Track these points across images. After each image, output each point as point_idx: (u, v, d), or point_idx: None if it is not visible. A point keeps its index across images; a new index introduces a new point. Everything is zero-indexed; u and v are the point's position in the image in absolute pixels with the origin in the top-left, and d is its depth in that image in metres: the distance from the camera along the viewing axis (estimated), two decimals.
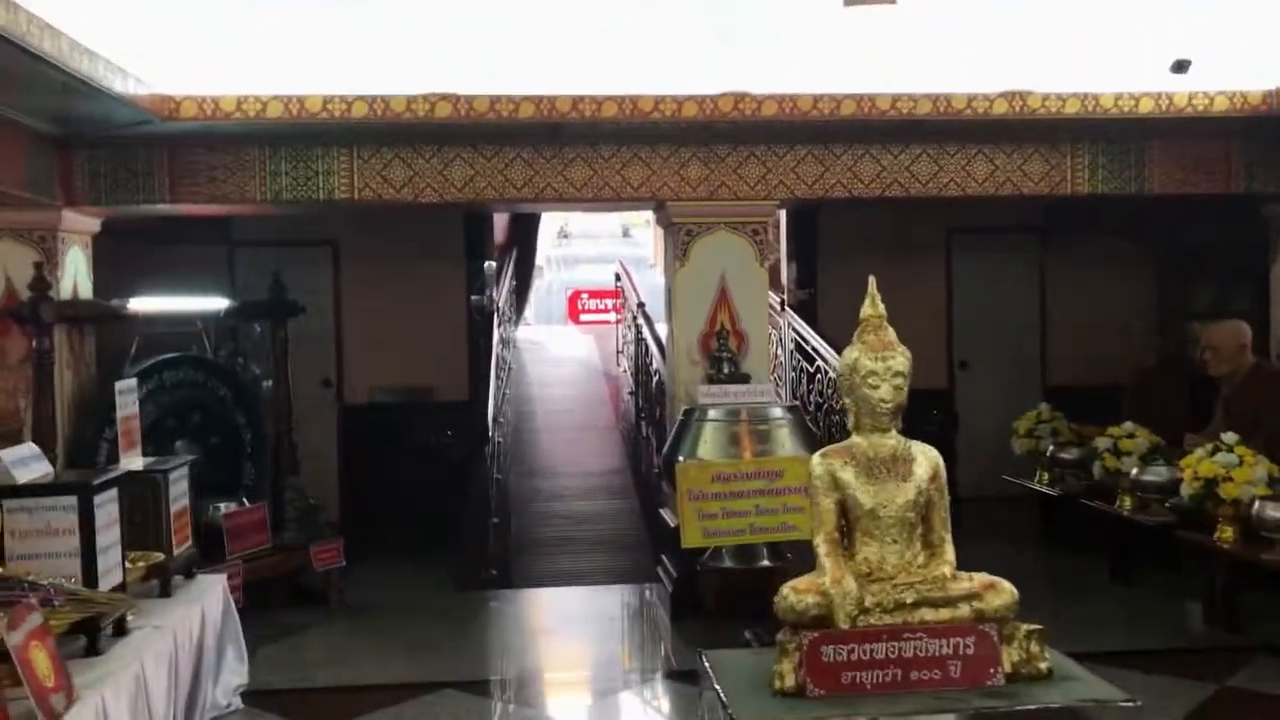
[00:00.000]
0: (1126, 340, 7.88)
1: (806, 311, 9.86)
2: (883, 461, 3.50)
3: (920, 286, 10.12)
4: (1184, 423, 7.24)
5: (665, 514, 6.93)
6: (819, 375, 9.04)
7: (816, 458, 3.56)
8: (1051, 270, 10.32)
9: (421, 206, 6.57)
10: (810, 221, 10.04)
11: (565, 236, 17.96)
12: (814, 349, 9.15)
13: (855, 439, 3.57)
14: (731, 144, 6.42)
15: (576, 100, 5.72)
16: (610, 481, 9.04)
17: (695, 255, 6.47)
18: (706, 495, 5.66)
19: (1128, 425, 6.73)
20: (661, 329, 9.67)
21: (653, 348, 9.21)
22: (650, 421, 9.47)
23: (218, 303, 6.91)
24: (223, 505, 6.56)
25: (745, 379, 6.24)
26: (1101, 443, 6.74)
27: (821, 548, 3.47)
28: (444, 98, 5.67)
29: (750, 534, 5.71)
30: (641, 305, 10.17)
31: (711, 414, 5.91)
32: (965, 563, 3.61)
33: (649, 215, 19.30)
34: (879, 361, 3.47)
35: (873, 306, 3.64)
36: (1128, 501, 6.69)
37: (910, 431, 7.44)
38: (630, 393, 10.88)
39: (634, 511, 8.45)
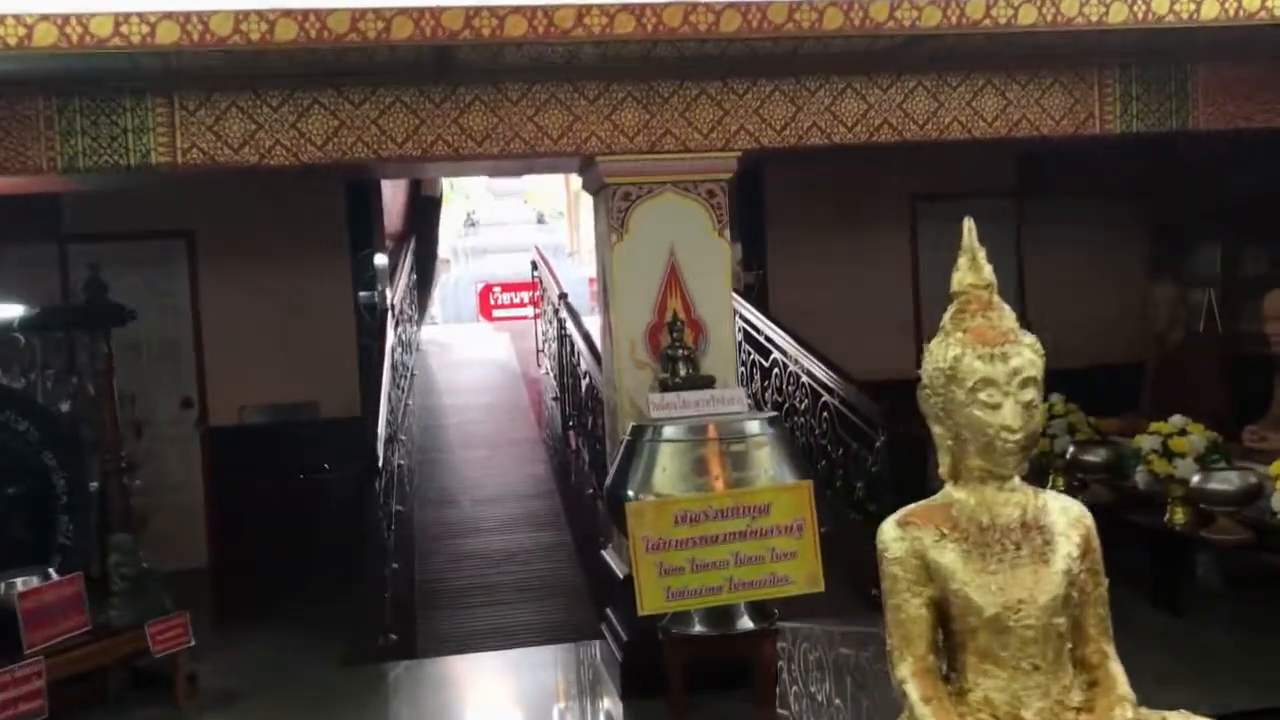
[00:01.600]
0: (1152, 312, 6.60)
1: (755, 296, 8.51)
2: (1006, 532, 2.07)
3: (884, 261, 8.84)
4: (1222, 411, 5.98)
5: (610, 557, 5.47)
6: (775, 370, 7.68)
7: (891, 528, 2.11)
8: (1029, 237, 9.09)
9: (271, 172, 4.99)
10: (755, 191, 8.64)
11: (472, 225, 16.27)
12: (768, 339, 7.79)
13: (955, 494, 2.13)
14: (677, 79, 4.95)
15: (471, 15, 4.19)
16: (536, 508, 7.54)
17: (636, 225, 4.99)
18: (669, 544, 4.21)
19: (1177, 420, 5.42)
20: (591, 323, 8.22)
21: (580, 344, 7.73)
22: (580, 432, 8.01)
23: (7, 310, 5.25)
24: (20, 581, 4.92)
25: (708, 383, 4.78)
26: (1145, 442, 5.42)
27: (913, 687, 2.02)
28: (286, 14, 4.10)
29: (729, 591, 4.27)
30: (564, 296, 8.69)
31: (668, 432, 4.44)
32: None
33: (563, 207, 17.81)
34: (995, 363, 2.04)
35: (974, 270, 2.19)
36: (1180, 514, 5.40)
37: (900, 433, 6.08)
38: (554, 398, 9.39)
39: (566, 546, 6.96)
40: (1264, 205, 7.67)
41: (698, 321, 5.02)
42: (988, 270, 2.18)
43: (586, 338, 7.62)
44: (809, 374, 7.18)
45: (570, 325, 8.24)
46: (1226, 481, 5.07)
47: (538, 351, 10.74)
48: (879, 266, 8.78)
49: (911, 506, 2.16)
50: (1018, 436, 2.02)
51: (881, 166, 8.47)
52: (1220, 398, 6.18)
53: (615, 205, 4.98)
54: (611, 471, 4.62)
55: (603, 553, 5.52)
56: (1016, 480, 2.12)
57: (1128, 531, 6.01)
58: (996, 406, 2.01)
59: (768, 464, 4.40)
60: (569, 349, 8.49)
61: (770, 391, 7.69)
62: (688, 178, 5.00)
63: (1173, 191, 8.56)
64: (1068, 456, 6.20)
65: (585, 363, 7.51)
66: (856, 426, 6.60)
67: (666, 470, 4.39)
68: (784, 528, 4.28)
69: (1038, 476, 6.71)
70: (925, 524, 2.09)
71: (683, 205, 5.01)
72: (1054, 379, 8.29)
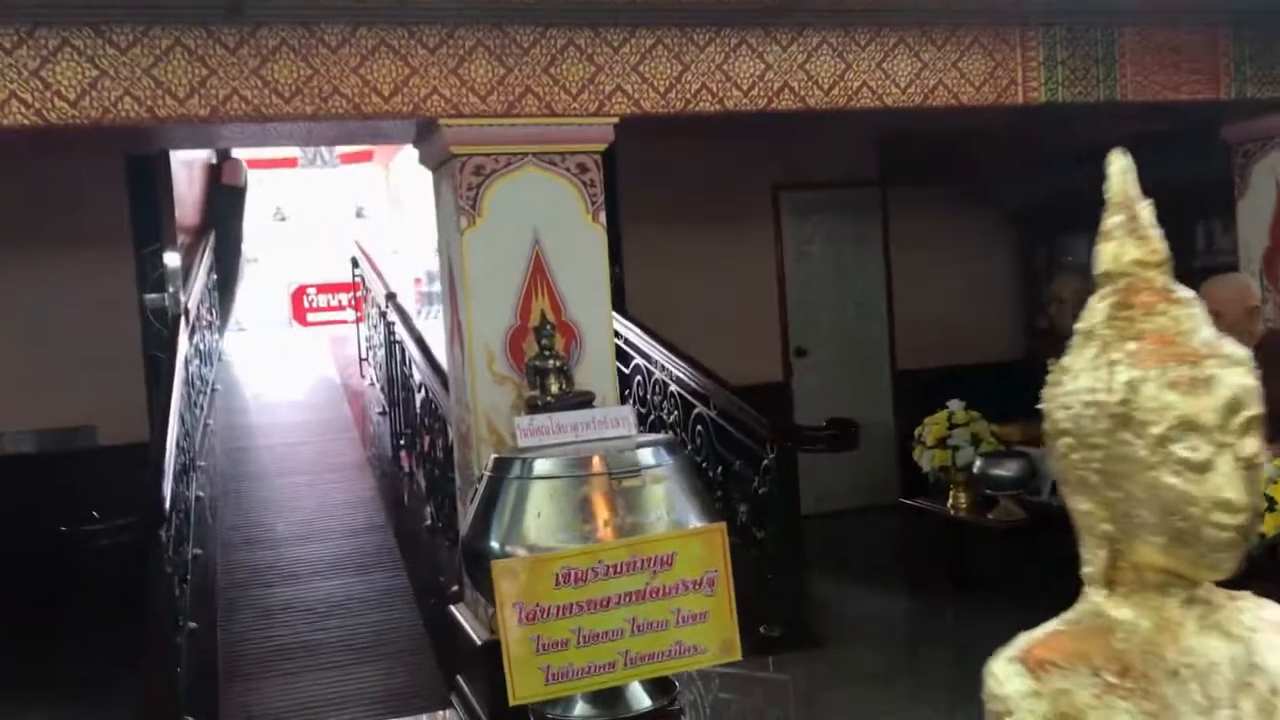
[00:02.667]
0: (1055, 307, 6.02)
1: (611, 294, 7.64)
2: (1208, 678, 1.23)
3: (747, 257, 8.13)
4: None
5: (463, 615, 4.49)
6: (638, 378, 6.83)
7: (1015, 676, 1.24)
8: (896, 231, 8.52)
9: (18, 140, 3.82)
10: (609, 180, 7.77)
11: (282, 219, 14.83)
12: (629, 343, 6.92)
13: (1116, 612, 1.26)
14: (539, 25, 4.01)
15: None
16: (365, 545, 6.44)
17: (492, 207, 4.02)
18: (548, 612, 3.28)
19: None
20: (426, 328, 7.21)
21: (413, 352, 6.70)
22: (415, 453, 6.98)
23: None
24: None
25: (587, 400, 3.87)
26: None
27: None
28: None
29: (624, 668, 3.36)
30: (392, 296, 7.62)
31: (541, 466, 3.49)
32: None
33: (392, 189, 16.47)
34: (1199, 393, 1.19)
35: (1139, 239, 1.31)
36: None
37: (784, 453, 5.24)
38: (382, 413, 8.31)
39: (402, 591, 5.91)
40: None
41: (570, 325, 4.10)
42: (1157, 237, 1.32)
43: (421, 343, 6.59)
44: (679, 382, 6.35)
45: (401, 329, 7.18)
46: None
47: (361, 360, 9.61)
48: (742, 263, 8.07)
49: (1039, 635, 1.28)
50: (1240, 518, 1.19)
51: (742, 151, 7.78)
52: None
53: (464, 181, 3.99)
54: (468, 517, 3.65)
55: (453, 609, 4.53)
56: (1209, 586, 1.29)
57: (1037, 550, 5.43)
58: (1204, 467, 1.17)
59: (668, 503, 3.50)
60: (399, 357, 7.44)
61: (632, 402, 6.82)
62: (554, 148, 4.07)
63: (1038, 179, 8.13)
64: (975, 470, 5.54)
65: (420, 373, 6.49)
66: (737, 442, 5.81)
67: (541, 515, 3.44)
68: (692, 583, 3.41)
69: (939, 495, 6.11)
70: (1073, 666, 1.23)
71: (548, 182, 4.07)
72: (924, 379, 7.80)
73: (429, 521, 6.34)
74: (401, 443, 7.44)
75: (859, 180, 8.33)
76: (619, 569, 3.34)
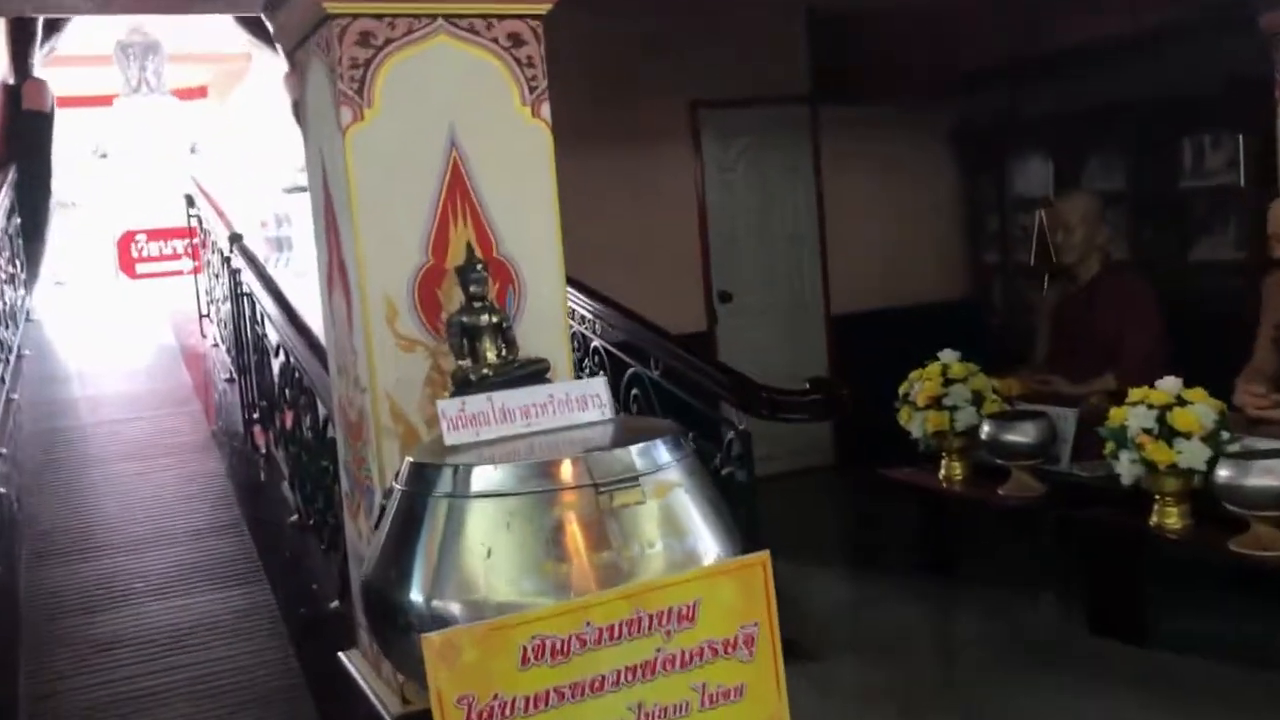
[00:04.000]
0: (1063, 237, 5.06)
1: None
2: None
3: (663, 188, 7.01)
4: (1155, 364, 4.54)
5: (355, 666, 3.27)
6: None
7: None
8: (828, 154, 7.51)
9: None
10: None
11: (104, 156, 12.99)
12: None
13: None
14: None
15: None
16: (216, 551, 5.11)
17: (388, 95, 2.75)
18: (511, 706, 2.11)
19: (1170, 384, 3.84)
20: (283, 274, 5.85)
21: (267, 305, 5.38)
22: (272, 431, 5.67)
23: None
24: None
25: (540, 371, 2.67)
26: (1135, 419, 3.81)
27: None
28: None
29: None
30: (237, 238, 6.24)
31: (484, 476, 2.29)
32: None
33: (230, 125, 14.69)
34: None
35: None
36: (1173, 516, 3.86)
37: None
38: (230, 379, 6.93)
39: (266, 610, 4.63)
40: (1102, 112, 6.42)
41: (505, 263, 2.89)
42: None
43: (277, 295, 5.27)
44: (606, 336, 5.21)
45: (250, 278, 5.82)
46: (1272, 474, 3.53)
47: (201, 317, 8.16)
48: (658, 193, 6.96)
49: None
50: None
51: (657, 61, 6.65)
52: (1164, 346, 4.72)
53: (346, 56, 2.72)
54: (373, 552, 2.43)
55: (343, 658, 3.31)
56: None
57: (1058, 530, 4.51)
58: None
59: (678, 526, 2.35)
60: (249, 313, 6.08)
61: None
62: (475, 8, 2.82)
63: (984, 93, 7.24)
64: (983, 436, 4.54)
65: (278, 332, 5.17)
66: (688, 410, 4.70)
67: (492, 553, 2.26)
68: (723, 645, 2.29)
69: (928, 463, 5.12)
70: None
71: (468, 58, 2.82)
72: (870, 325, 6.81)
73: (295, 516, 5.07)
74: (255, 416, 6.11)
75: (789, 96, 7.28)
76: (616, 632, 2.19)
